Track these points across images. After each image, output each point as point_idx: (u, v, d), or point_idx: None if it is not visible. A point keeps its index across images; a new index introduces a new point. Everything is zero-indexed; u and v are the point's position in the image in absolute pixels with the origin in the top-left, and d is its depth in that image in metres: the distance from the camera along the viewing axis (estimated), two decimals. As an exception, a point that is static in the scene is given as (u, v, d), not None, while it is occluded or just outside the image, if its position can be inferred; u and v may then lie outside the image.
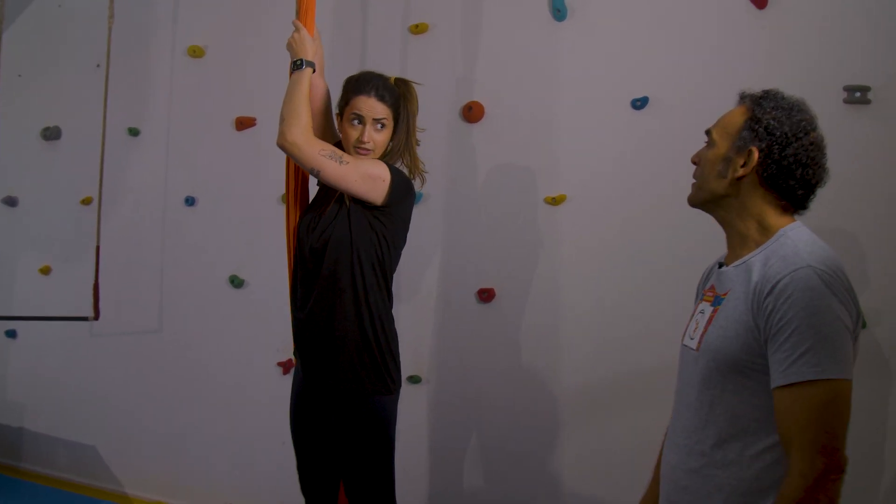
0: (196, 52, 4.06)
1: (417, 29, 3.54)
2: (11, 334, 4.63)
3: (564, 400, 3.29)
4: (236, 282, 3.96)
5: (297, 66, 2.56)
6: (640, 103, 3.17)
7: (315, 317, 2.55)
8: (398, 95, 2.63)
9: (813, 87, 2.87)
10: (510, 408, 3.39)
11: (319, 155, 2.42)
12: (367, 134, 2.54)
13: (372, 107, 2.54)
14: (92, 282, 3.94)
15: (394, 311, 3.20)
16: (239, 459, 4.00)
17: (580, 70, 3.28)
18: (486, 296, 3.41)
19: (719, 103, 3.01)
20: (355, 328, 2.50)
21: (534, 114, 3.36)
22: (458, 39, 3.49)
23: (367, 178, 2.45)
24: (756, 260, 1.72)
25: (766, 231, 1.76)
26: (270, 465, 3.84)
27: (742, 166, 1.77)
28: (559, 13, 3.27)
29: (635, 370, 3.18)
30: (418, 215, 3.38)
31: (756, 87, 2.93)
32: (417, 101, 2.70)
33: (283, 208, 3.77)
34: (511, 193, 3.40)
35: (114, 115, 4.03)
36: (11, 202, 4.59)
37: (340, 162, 2.43)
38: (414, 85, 2.70)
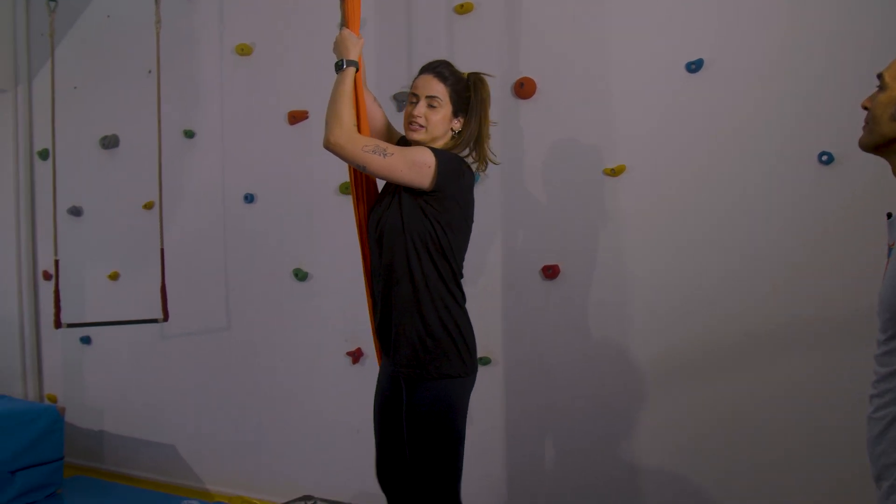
0: (244, 50, 4.08)
1: (462, 9, 3.50)
2: (86, 341, 4.74)
3: (637, 373, 3.25)
4: (300, 275, 3.99)
5: (338, 66, 2.59)
6: (694, 66, 3.10)
7: (381, 305, 2.60)
8: (465, 84, 2.63)
9: (882, 38, 2.82)
10: (581, 383, 3.36)
11: (363, 151, 2.45)
12: (418, 108, 2.58)
13: (427, 83, 2.59)
14: (159, 284, 4.01)
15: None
16: (315, 451, 4.04)
17: (631, 36, 3.22)
18: (550, 273, 3.38)
19: (775, 62, 2.98)
20: (415, 314, 2.51)
21: (586, 85, 3.31)
22: (504, 16, 3.45)
23: (412, 165, 2.46)
24: None
25: None
26: (347, 455, 3.87)
27: None
28: (606, -20, 3.22)
29: (706, 339, 3.13)
30: (475, 196, 3.37)
31: (817, 42, 2.86)
32: (489, 93, 2.69)
33: (341, 198, 3.81)
34: (569, 167, 3.36)
35: (168, 119, 4.10)
36: (76, 212, 4.69)
37: (384, 155, 2.45)
38: (486, 77, 2.69)
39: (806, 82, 2.94)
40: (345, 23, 2.66)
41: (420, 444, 2.54)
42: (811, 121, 2.94)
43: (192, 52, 4.29)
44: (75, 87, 4.65)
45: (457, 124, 2.64)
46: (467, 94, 2.63)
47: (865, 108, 1.78)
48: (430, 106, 2.57)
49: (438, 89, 2.57)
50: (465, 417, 2.60)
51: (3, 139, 4.90)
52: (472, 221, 2.65)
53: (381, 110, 2.81)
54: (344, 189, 3.78)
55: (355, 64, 2.59)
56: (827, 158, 2.88)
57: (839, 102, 2.84)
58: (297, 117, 3.95)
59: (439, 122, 2.59)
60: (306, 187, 3.96)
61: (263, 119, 4.08)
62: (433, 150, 2.51)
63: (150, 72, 4.24)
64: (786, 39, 2.98)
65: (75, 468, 4.71)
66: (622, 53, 3.24)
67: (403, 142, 2.72)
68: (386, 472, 2.76)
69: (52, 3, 3.89)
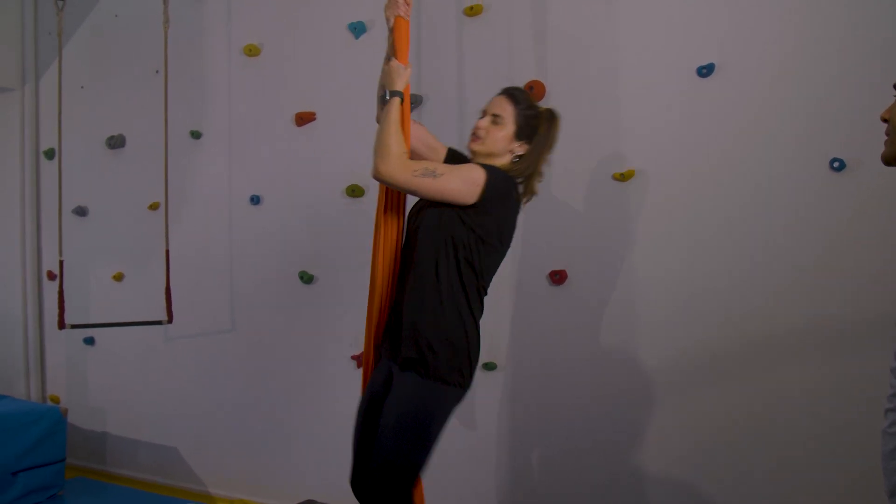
0: (252, 51, 4.07)
1: (472, 11, 3.48)
2: (89, 341, 4.72)
3: (643, 380, 3.22)
4: (306, 278, 3.97)
5: (383, 97, 2.59)
6: (705, 71, 3.08)
7: (402, 299, 2.58)
8: (536, 113, 2.65)
9: (893, 43, 2.80)
10: (589, 390, 3.33)
11: (413, 177, 2.47)
12: (482, 121, 2.63)
13: (498, 102, 2.64)
14: (164, 286, 3.99)
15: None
16: (319, 454, 4.01)
17: (641, 40, 3.20)
18: (557, 278, 3.35)
19: (785, 67, 2.96)
20: (431, 312, 2.50)
21: (596, 89, 3.29)
22: (514, 18, 3.43)
23: (462, 182, 2.47)
24: None
25: None
26: (350, 459, 3.84)
27: None
28: (617, -17, 3.20)
29: (714, 345, 3.10)
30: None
31: (827, 49, 2.83)
32: (558, 133, 2.69)
33: (348, 201, 3.79)
34: (577, 172, 3.33)
35: (175, 120, 4.08)
36: (82, 212, 4.67)
37: (435, 176, 2.47)
38: (559, 117, 2.70)
39: (816, 88, 2.92)
40: (393, 53, 2.63)
41: (390, 432, 2.50)
42: (821, 127, 2.92)
43: (200, 53, 4.28)
44: (82, 87, 4.64)
45: (518, 147, 2.64)
46: (535, 123, 2.64)
47: (885, 120, 1.75)
48: (494, 123, 2.61)
49: (506, 109, 2.61)
50: (442, 429, 2.55)
51: (10, 138, 4.89)
52: (507, 246, 2.63)
53: (424, 129, 2.80)
54: (350, 192, 3.76)
55: (400, 95, 2.58)
56: (838, 165, 2.85)
57: (850, 109, 2.83)
58: (304, 119, 3.94)
59: (499, 139, 2.61)
60: (313, 189, 3.94)
61: (271, 120, 4.07)
62: (486, 167, 2.52)
63: (157, 72, 4.23)
64: (796, 45, 2.96)
65: (77, 469, 4.69)
66: (632, 57, 3.22)
67: (450, 155, 2.76)
68: (361, 479, 2.70)
69: (60, 2, 3.87)
